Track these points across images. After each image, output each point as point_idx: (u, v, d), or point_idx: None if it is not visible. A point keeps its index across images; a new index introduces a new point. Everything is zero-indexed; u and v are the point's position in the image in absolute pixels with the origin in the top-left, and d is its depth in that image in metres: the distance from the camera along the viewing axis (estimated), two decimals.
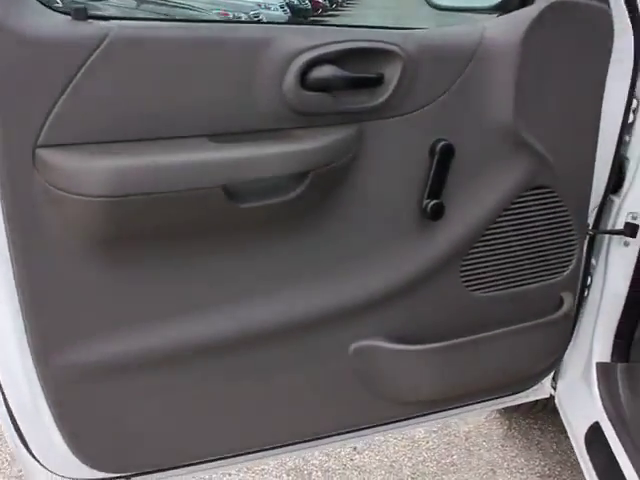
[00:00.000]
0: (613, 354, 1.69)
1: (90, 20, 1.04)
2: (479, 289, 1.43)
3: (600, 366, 1.69)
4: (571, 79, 1.37)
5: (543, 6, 1.29)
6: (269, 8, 13.54)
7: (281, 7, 14.35)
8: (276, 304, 1.26)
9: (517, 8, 1.36)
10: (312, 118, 1.17)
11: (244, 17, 11.28)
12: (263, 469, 2.16)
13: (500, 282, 1.44)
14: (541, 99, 1.33)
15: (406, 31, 1.24)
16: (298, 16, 15.08)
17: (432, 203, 1.28)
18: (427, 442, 2.31)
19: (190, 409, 1.31)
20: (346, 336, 1.35)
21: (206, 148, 1.09)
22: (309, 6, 16.43)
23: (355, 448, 2.27)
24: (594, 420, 1.62)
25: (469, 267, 1.40)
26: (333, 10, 19.15)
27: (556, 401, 1.83)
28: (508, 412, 2.43)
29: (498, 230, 1.39)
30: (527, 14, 1.30)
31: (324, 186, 1.19)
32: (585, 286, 1.66)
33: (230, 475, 2.13)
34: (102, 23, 1.05)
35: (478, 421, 2.42)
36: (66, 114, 1.03)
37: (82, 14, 1.03)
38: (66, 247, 1.10)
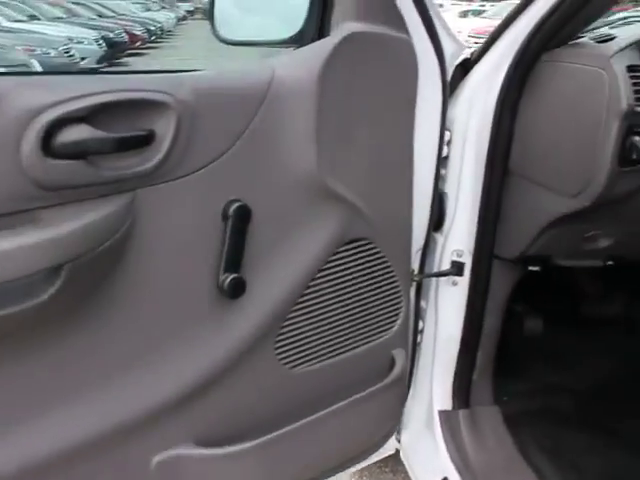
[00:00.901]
0: (454, 400, 1.59)
1: None
2: (300, 364, 1.24)
3: (442, 415, 1.58)
4: (377, 116, 1.24)
5: (339, 38, 1.15)
6: (82, 42, 12.81)
7: (95, 41, 13.70)
8: (43, 429, 0.99)
9: (312, 41, 1.22)
10: (64, 193, 0.92)
11: (53, 53, 10.57)
12: None
13: (323, 351, 1.27)
14: (346, 141, 1.19)
15: (182, 74, 1.05)
16: (115, 50, 14.50)
17: (230, 278, 1.08)
18: None
19: None
20: (144, 450, 1.10)
21: None
22: (126, 39, 15.86)
23: None
24: (442, 476, 1.51)
25: (286, 342, 1.21)
26: (152, 42, 18.69)
27: (401, 455, 1.70)
28: None
29: (314, 294, 1.22)
30: (322, 48, 1.16)
31: (89, 277, 0.95)
32: (417, 332, 1.54)
33: None
34: None
35: None
36: None
37: None
38: None
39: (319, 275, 1.21)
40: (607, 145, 1.24)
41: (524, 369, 1.83)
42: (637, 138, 1.24)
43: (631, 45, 1.29)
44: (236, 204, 1.07)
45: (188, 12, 30.32)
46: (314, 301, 1.22)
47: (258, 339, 1.16)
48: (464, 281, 1.50)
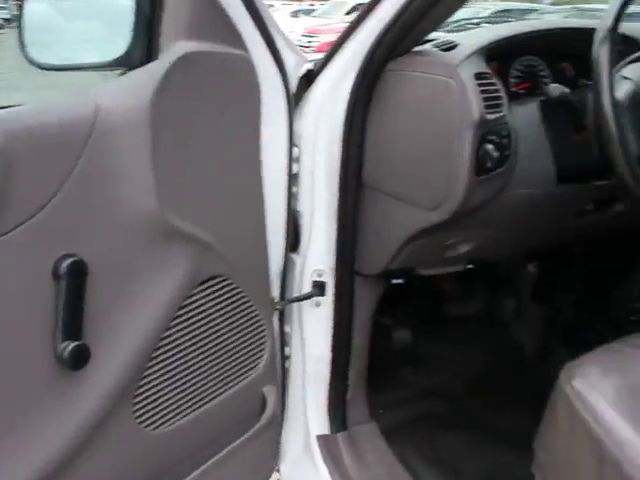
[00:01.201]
0: (330, 423, 1.53)
1: None
2: (164, 422, 1.12)
3: (320, 439, 1.51)
4: (220, 140, 1.15)
5: (172, 60, 1.05)
6: None
7: None
8: None
9: (141, 63, 1.10)
10: None
11: None
12: None
13: (189, 404, 1.15)
14: (188, 172, 1.09)
15: None
16: None
17: (71, 347, 0.93)
18: None
19: None
20: None
21: None
22: None
23: None
24: None
25: (144, 403, 1.09)
26: None
27: None
28: None
29: (170, 345, 1.10)
30: (153, 72, 1.04)
31: None
32: (284, 359, 1.47)
33: None
34: None
35: None
36: None
37: None
38: None
39: (173, 324, 1.10)
40: (462, 156, 1.21)
41: (397, 380, 1.81)
42: (490, 146, 1.22)
43: (475, 52, 1.28)
44: (69, 260, 0.93)
45: (5, 20, 28.27)
46: (171, 352, 1.10)
47: (112, 407, 1.02)
48: (327, 301, 1.44)
